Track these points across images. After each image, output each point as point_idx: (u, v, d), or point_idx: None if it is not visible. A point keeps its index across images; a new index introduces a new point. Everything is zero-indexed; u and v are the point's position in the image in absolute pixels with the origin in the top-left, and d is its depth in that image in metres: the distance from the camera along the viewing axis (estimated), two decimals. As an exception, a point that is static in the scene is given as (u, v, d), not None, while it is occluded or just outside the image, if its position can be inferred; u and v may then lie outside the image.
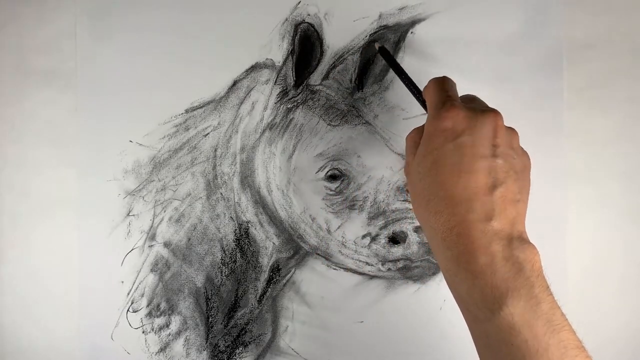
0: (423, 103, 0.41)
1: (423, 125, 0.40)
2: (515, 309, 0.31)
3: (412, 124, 0.48)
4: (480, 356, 0.34)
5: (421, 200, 0.36)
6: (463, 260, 0.33)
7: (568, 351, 0.31)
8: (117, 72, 0.49)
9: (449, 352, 0.48)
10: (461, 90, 0.47)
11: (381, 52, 0.46)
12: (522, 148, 0.38)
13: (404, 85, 0.44)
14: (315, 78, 0.48)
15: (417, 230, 0.48)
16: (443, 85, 0.38)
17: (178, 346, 0.50)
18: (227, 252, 0.49)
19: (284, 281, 0.49)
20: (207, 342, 0.49)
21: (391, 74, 0.48)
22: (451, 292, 0.36)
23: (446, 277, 0.36)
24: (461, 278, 0.33)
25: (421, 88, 0.42)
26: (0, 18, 0.50)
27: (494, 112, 0.36)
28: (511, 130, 0.37)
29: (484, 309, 0.32)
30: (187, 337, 0.49)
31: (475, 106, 0.36)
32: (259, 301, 0.49)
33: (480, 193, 0.33)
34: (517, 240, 0.33)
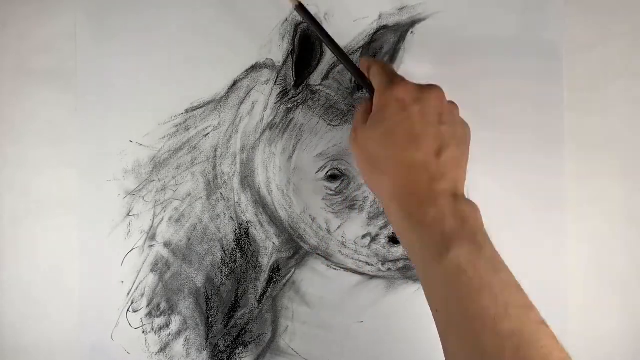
0: (357, 75, 0.43)
1: (370, 98, 0.42)
2: (461, 251, 0.35)
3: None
4: (428, 301, 0.38)
5: (374, 164, 0.40)
6: (415, 215, 0.37)
7: (508, 287, 0.35)
8: (117, 72, 0.49)
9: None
10: (461, 90, 0.47)
11: (298, 10, 0.43)
12: (463, 119, 0.41)
13: (332, 53, 0.44)
14: (315, 78, 0.48)
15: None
16: (387, 65, 0.42)
17: (178, 346, 0.50)
18: (227, 252, 0.49)
19: (284, 281, 0.49)
20: (207, 342, 0.49)
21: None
22: (404, 248, 0.40)
23: (399, 233, 0.40)
24: (413, 231, 0.37)
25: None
26: (0, 18, 0.50)
27: (436, 86, 0.40)
28: (452, 103, 0.41)
29: (434, 252, 0.35)
30: (187, 337, 0.50)
31: (419, 84, 0.40)
32: (259, 301, 0.49)
33: (429, 157, 0.37)
34: (461, 197, 0.38)
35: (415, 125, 0.38)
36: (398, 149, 0.38)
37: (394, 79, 0.40)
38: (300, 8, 0.43)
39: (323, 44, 0.48)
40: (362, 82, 0.43)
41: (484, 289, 0.34)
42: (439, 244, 0.35)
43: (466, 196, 0.38)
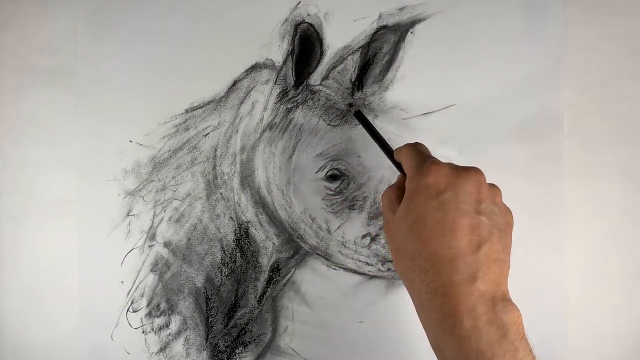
0: (397, 164, 0.41)
1: (397, 183, 0.40)
2: None
3: (412, 124, 0.48)
4: None
5: (404, 258, 0.36)
6: (448, 324, 0.32)
7: None
8: (117, 72, 0.49)
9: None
10: (461, 91, 0.47)
11: (357, 116, 0.46)
12: (505, 205, 0.37)
13: (379, 148, 0.44)
14: (315, 78, 0.48)
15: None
16: (418, 146, 0.39)
17: (178, 346, 0.50)
18: (227, 252, 0.49)
19: (284, 281, 0.49)
20: (207, 342, 0.49)
21: (391, 74, 0.48)
22: (435, 352, 0.35)
23: (430, 338, 0.35)
24: (446, 342, 0.33)
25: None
26: (1, 18, 0.50)
27: (475, 169, 0.35)
28: (494, 186, 0.36)
29: None
30: (187, 337, 0.50)
31: (456, 165, 0.36)
32: (259, 301, 0.49)
33: (464, 252, 0.33)
34: (501, 301, 0.33)
35: (448, 215, 0.33)
36: (429, 242, 0.34)
37: (426, 160, 0.36)
38: (359, 115, 0.45)
39: (323, 44, 0.48)
40: (399, 169, 0.41)
41: None
42: None
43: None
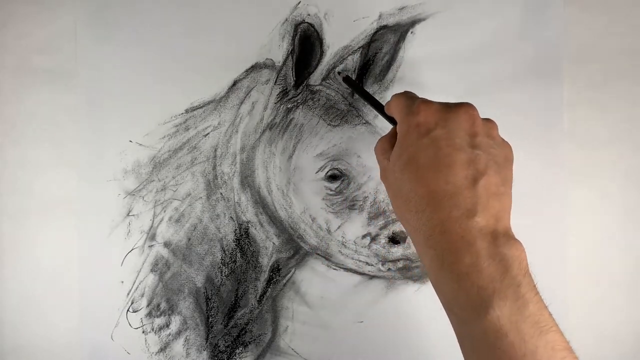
0: (389, 118, 0.41)
1: (391, 133, 0.39)
2: (502, 310, 0.30)
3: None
4: (465, 358, 0.33)
5: (400, 200, 0.35)
6: (447, 261, 0.32)
7: (556, 353, 0.30)
8: (117, 72, 0.49)
9: (449, 352, 0.48)
10: (461, 90, 0.47)
11: (345, 80, 0.46)
12: (503, 138, 0.36)
13: (368, 105, 0.45)
14: (315, 78, 0.48)
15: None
16: (408, 92, 0.38)
17: (178, 346, 0.50)
18: (227, 252, 0.49)
19: (284, 281, 0.49)
20: (207, 342, 0.49)
21: (391, 74, 0.48)
22: (436, 293, 0.34)
23: (431, 278, 0.34)
24: (446, 279, 0.32)
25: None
26: (1, 18, 0.50)
27: (467, 104, 0.34)
28: (489, 120, 0.36)
29: (470, 311, 0.31)
30: (187, 337, 0.49)
31: (447, 103, 0.35)
32: (259, 301, 0.49)
33: (461, 187, 0.32)
34: (503, 236, 0.32)
35: (440, 152, 0.32)
36: (424, 180, 0.33)
37: (414, 102, 0.35)
38: (348, 79, 0.45)
39: (323, 44, 0.48)
40: (392, 123, 0.41)
41: (528, 357, 0.29)
42: (476, 300, 0.30)
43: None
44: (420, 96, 0.38)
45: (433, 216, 0.32)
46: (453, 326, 0.34)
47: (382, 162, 0.38)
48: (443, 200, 0.32)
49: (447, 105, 0.34)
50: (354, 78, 0.48)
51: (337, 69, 0.48)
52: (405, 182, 0.34)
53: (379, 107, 0.43)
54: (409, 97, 0.37)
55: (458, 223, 0.31)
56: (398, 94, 0.39)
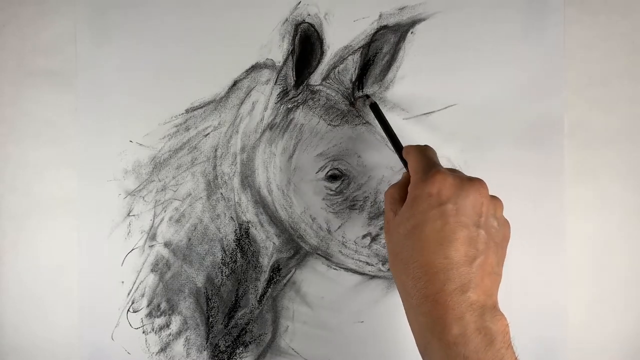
0: (404, 161, 0.42)
1: (401, 182, 0.40)
2: None
3: (412, 124, 0.48)
4: None
5: (399, 262, 0.36)
6: (437, 330, 0.33)
7: None
8: (117, 72, 0.49)
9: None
10: (461, 91, 0.47)
11: (372, 107, 0.46)
12: (505, 218, 0.38)
13: (388, 142, 0.45)
14: (315, 78, 0.48)
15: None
16: (427, 151, 0.39)
17: (178, 346, 0.50)
18: (227, 252, 0.49)
19: (285, 281, 0.49)
20: (207, 342, 0.49)
21: (391, 74, 0.48)
22: (422, 356, 0.36)
23: (418, 341, 0.36)
24: (434, 347, 0.34)
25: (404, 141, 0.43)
26: (0, 18, 0.50)
27: (479, 181, 0.36)
28: (496, 199, 0.37)
29: None
30: (188, 337, 0.49)
31: (461, 174, 0.36)
32: (260, 301, 0.49)
33: (459, 263, 0.33)
34: (490, 311, 0.33)
35: (447, 226, 0.34)
36: (425, 251, 0.34)
37: (431, 168, 0.36)
38: (375, 107, 0.46)
39: (323, 44, 0.48)
40: (406, 168, 0.41)
41: None
42: None
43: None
44: (435, 158, 0.38)
45: (428, 286, 0.34)
46: None
47: (388, 214, 0.39)
48: (440, 274, 0.33)
49: (460, 181, 0.35)
50: (353, 79, 0.48)
51: (366, 92, 0.48)
52: (407, 246, 0.35)
53: (398, 146, 0.43)
54: (428, 159, 0.38)
55: (450, 296, 0.33)
56: (418, 148, 0.39)
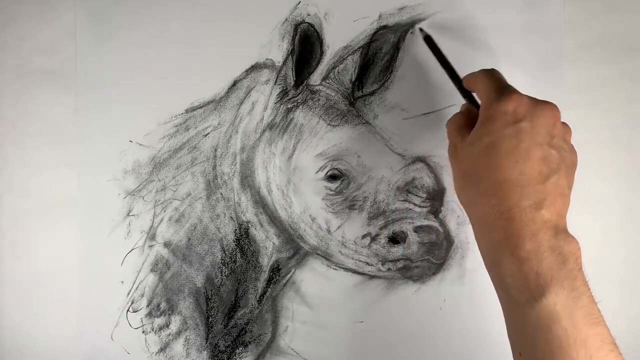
0: (465, 92, 0.42)
1: (464, 111, 0.41)
2: (558, 297, 0.32)
3: (412, 124, 0.48)
4: (512, 342, 0.35)
5: (470, 181, 0.37)
6: (510, 245, 0.33)
7: (604, 345, 0.32)
8: (117, 72, 0.49)
9: (449, 352, 0.48)
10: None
11: (426, 40, 0.46)
12: (572, 145, 0.38)
13: (446, 74, 0.44)
14: (315, 78, 0.48)
15: (417, 230, 0.48)
16: (495, 73, 0.39)
17: (178, 346, 0.50)
18: (227, 252, 0.49)
19: (284, 281, 0.49)
20: (207, 342, 0.49)
21: (391, 74, 0.48)
22: (490, 275, 0.36)
23: (487, 260, 0.36)
24: (506, 262, 0.34)
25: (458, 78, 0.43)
26: (0, 18, 0.50)
27: (553, 104, 0.36)
28: (566, 125, 0.37)
29: (527, 294, 0.33)
30: (187, 337, 0.50)
31: (534, 98, 0.36)
32: (259, 301, 0.49)
33: (534, 180, 0.34)
34: (563, 232, 0.34)
35: (522, 143, 0.34)
36: (500, 167, 0.34)
37: (505, 89, 0.36)
38: (429, 40, 0.46)
39: (323, 44, 0.48)
40: (466, 97, 0.42)
41: (579, 345, 0.31)
42: (533, 284, 0.32)
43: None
44: (505, 81, 0.38)
45: (502, 202, 0.34)
46: (503, 308, 0.35)
47: (455, 139, 0.39)
48: (515, 190, 0.34)
49: (535, 101, 0.35)
50: (353, 79, 0.48)
51: (419, 26, 0.47)
52: (481, 165, 0.36)
53: (456, 78, 0.43)
54: (499, 80, 0.38)
55: (525, 212, 0.33)
56: (487, 71, 0.39)
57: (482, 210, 0.36)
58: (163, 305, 0.50)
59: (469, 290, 0.48)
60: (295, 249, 0.49)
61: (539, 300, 0.32)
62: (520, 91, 0.36)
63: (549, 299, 0.32)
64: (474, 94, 0.41)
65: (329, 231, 0.49)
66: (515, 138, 0.34)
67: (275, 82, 0.49)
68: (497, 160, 0.35)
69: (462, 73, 0.48)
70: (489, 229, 0.35)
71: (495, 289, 0.36)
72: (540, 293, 0.32)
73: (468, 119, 0.40)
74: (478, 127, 0.37)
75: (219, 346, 0.49)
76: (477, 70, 0.40)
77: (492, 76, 0.38)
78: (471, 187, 0.37)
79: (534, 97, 0.36)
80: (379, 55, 0.48)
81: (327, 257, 0.49)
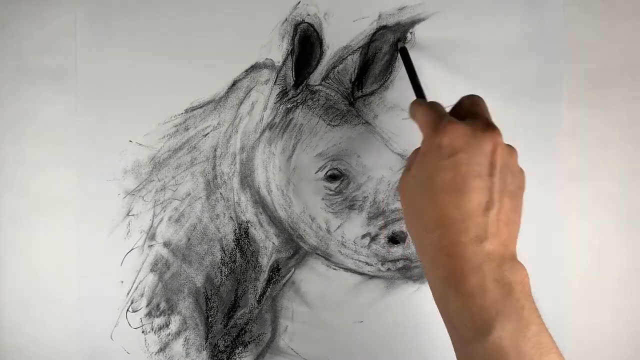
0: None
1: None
2: (504, 332, 0.31)
3: (412, 124, 0.48)
4: None
5: (413, 216, 0.36)
6: (453, 281, 0.33)
7: None
8: (117, 72, 0.49)
9: (449, 352, 0.48)
10: (461, 91, 0.47)
11: (401, 52, 0.46)
12: (520, 167, 0.37)
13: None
14: (315, 78, 0.48)
15: (416, 230, 0.48)
16: (435, 105, 0.38)
17: (178, 346, 0.50)
18: (226, 252, 0.49)
19: (284, 281, 0.49)
20: (206, 342, 0.49)
21: (391, 74, 0.48)
22: (439, 311, 0.35)
23: (435, 296, 0.35)
24: (450, 298, 0.33)
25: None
26: (0, 18, 0.50)
27: (493, 129, 0.34)
28: (510, 148, 0.36)
29: (473, 330, 0.32)
30: (187, 337, 0.50)
31: (473, 123, 0.35)
32: (259, 301, 0.49)
33: (473, 213, 0.33)
34: (509, 261, 0.33)
35: (458, 176, 0.33)
36: (438, 202, 0.33)
37: (443, 118, 0.35)
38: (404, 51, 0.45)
39: (323, 44, 0.48)
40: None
41: None
42: (479, 320, 0.31)
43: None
44: (443, 111, 0.37)
45: (443, 238, 0.33)
46: (454, 345, 0.34)
47: (404, 173, 0.39)
48: (454, 225, 0.33)
49: (473, 129, 0.34)
50: (353, 79, 0.48)
51: (397, 37, 0.47)
52: (419, 199, 0.35)
53: (418, 92, 0.43)
54: (436, 112, 0.37)
55: (466, 247, 0.32)
56: (425, 103, 0.38)
57: (426, 246, 0.35)
58: (163, 305, 0.50)
59: (469, 290, 0.48)
60: (295, 249, 0.49)
61: (486, 336, 0.31)
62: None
63: (494, 334, 0.31)
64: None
65: (328, 231, 0.49)
66: (451, 171, 0.33)
67: (275, 82, 0.49)
68: (435, 195, 0.34)
69: (461, 74, 0.48)
70: (434, 265, 0.34)
71: (445, 325, 0.35)
72: (487, 328, 0.31)
73: (416, 152, 0.38)
74: (417, 161, 0.36)
75: (219, 346, 0.49)
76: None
77: (430, 109, 0.37)
78: (415, 222, 0.36)
79: (474, 123, 0.35)
80: (379, 55, 0.48)
81: (326, 257, 0.49)
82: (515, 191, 0.35)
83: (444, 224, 0.33)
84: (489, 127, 0.34)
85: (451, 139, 0.34)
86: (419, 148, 0.39)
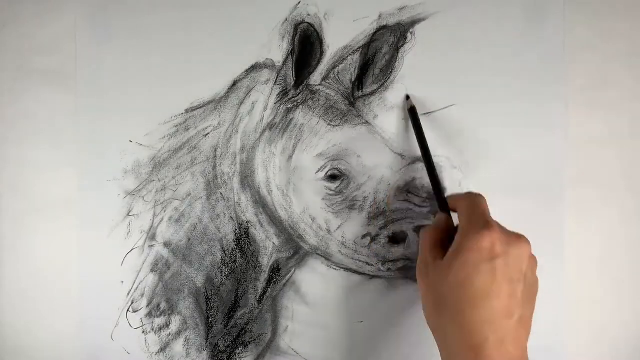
0: (441, 199, 0.43)
1: (441, 226, 0.41)
2: None
3: (412, 124, 0.48)
4: None
5: (442, 310, 0.38)
6: None
7: None
8: (117, 72, 0.49)
9: (449, 352, 0.48)
10: (461, 91, 0.47)
11: (410, 111, 0.47)
12: (537, 276, 0.39)
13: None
14: (315, 78, 0.48)
15: (417, 230, 0.48)
16: (480, 201, 0.40)
17: (178, 346, 0.50)
18: (227, 252, 0.49)
19: (284, 281, 0.49)
20: (207, 342, 0.49)
21: (391, 74, 0.48)
22: None
23: None
24: None
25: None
26: (1, 18, 0.50)
27: (525, 239, 0.37)
28: (533, 258, 0.39)
29: None
30: (187, 337, 0.50)
31: (507, 230, 0.38)
32: (259, 301, 0.49)
33: (502, 316, 0.35)
34: None
35: (496, 281, 0.35)
36: (474, 303, 0.36)
37: (486, 222, 0.37)
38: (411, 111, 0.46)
39: (323, 44, 0.48)
40: (440, 203, 0.43)
41: None
42: None
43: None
44: (486, 209, 0.40)
45: (473, 337, 0.35)
46: None
47: (427, 257, 0.40)
48: (485, 325, 0.35)
49: (508, 237, 0.37)
50: (353, 79, 0.48)
51: (407, 94, 0.48)
52: (454, 297, 0.37)
53: (434, 176, 0.44)
54: (482, 211, 0.39)
55: (492, 349, 0.35)
56: (474, 197, 0.41)
57: (452, 341, 0.37)
58: (163, 305, 0.50)
59: (469, 290, 0.48)
60: (295, 249, 0.49)
61: None
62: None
63: None
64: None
65: (329, 231, 0.49)
66: (489, 274, 0.35)
67: (275, 82, 0.49)
68: (471, 295, 0.36)
69: (461, 74, 0.48)
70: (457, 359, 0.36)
71: None
72: None
73: (444, 234, 0.41)
74: (452, 257, 0.37)
75: (219, 346, 0.49)
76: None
77: (478, 204, 0.39)
78: (442, 316, 0.38)
79: (509, 232, 0.37)
80: (379, 56, 0.48)
81: (327, 257, 0.49)
82: (533, 297, 0.38)
83: (477, 323, 0.35)
84: (521, 236, 0.38)
85: (493, 244, 0.36)
86: (435, 228, 0.41)
